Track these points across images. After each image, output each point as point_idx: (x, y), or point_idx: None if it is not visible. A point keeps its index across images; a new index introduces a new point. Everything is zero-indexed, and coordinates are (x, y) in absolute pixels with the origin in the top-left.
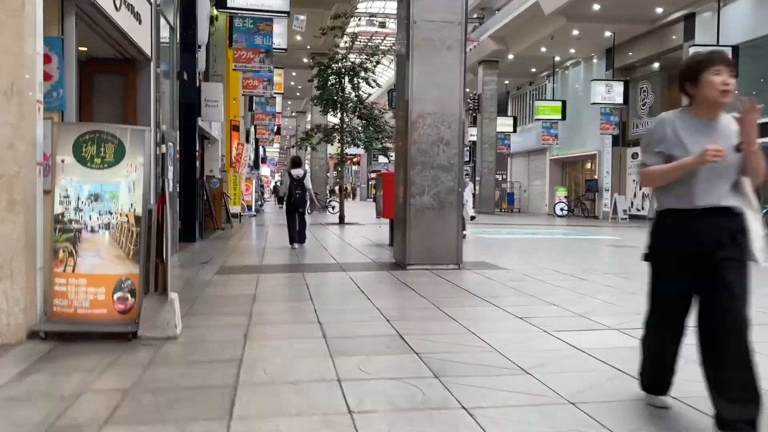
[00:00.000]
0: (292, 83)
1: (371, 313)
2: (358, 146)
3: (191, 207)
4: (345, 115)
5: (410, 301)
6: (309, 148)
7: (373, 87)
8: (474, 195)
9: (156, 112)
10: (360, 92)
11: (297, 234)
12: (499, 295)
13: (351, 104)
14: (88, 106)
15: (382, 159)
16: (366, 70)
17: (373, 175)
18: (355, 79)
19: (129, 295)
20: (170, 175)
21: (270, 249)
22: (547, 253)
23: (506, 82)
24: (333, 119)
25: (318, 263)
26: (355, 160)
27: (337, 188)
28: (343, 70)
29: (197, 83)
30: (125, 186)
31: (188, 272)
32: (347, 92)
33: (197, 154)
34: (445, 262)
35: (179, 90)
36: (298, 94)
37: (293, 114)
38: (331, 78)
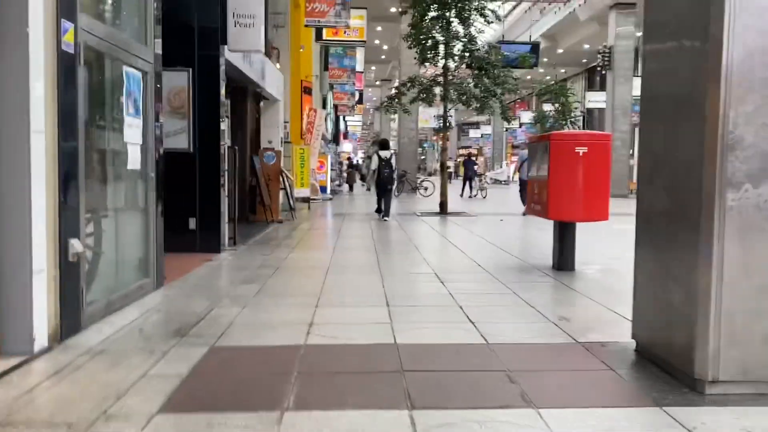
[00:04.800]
0: (377, 42)
1: None
2: (468, 105)
3: (212, 194)
4: (451, 60)
5: None
6: (395, 114)
7: (491, 21)
8: None
9: None
10: (473, 28)
11: (385, 209)
12: None
13: (461, 44)
14: None
15: (473, 133)
16: None
17: (462, 151)
18: (466, 8)
19: None
20: (133, 137)
21: (350, 285)
22: None
23: (638, 34)
24: (431, 71)
25: (448, 349)
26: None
27: (437, 165)
28: None
29: None
30: None
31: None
32: (453, 28)
33: (222, 113)
34: None
35: None
36: (383, 57)
37: (378, 83)
38: (431, 8)
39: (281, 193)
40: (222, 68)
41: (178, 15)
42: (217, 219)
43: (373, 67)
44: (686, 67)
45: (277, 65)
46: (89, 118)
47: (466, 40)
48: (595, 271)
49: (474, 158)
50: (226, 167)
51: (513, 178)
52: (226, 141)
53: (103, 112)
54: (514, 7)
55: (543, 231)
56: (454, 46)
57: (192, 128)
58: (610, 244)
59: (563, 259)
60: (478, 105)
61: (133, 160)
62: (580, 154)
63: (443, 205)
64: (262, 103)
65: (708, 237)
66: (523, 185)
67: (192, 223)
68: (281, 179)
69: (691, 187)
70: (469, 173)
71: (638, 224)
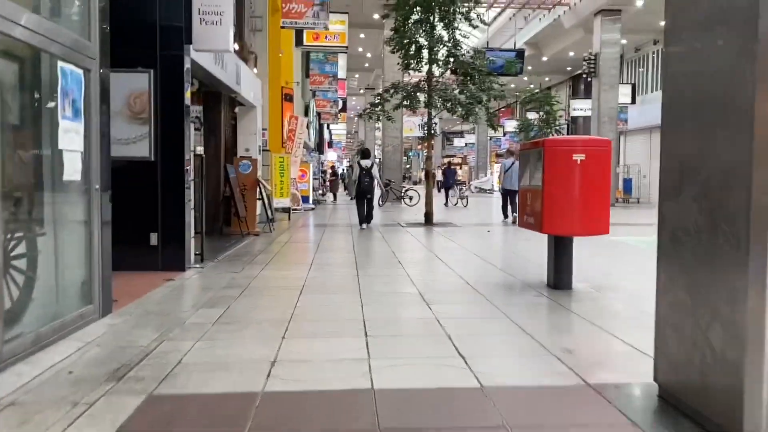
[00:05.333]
0: (360, 49)
1: None
2: (453, 112)
3: (176, 206)
4: (436, 65)
5: None
6: (378, 121)
7: (476, 26)
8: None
9: None
10: (458, 32)
11: (365, 217)
12: None
13: (445, 49)
14: None
15: (457, 141)
16: None
17: (445, 160)
18: (450, 12)
19: None
20: (71, 143)
21: (325, 308)
22: None
23: (623, 41)
24: (416, 78)
25: (435, 395)
26: (425, 145)
27: (421, 173)
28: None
29: None
30: None
31: None
32: (437, 33)
33: (188, 118)
34: None
35: None
36: (366, 65)
37: (361, 91)
38: (415, 12)
39: (258, 204)
40: (187, 69)
41: (137, 12)
42: (182, 234)
43: (357, 75)
44: (725, 67)
45: (255, 70)
46: (9, 122)
47: (450, 44)
48: (594, 290)
49: (454, 167)
50: (192, 177)
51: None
52: (192, 148)
53: (32, 115)
54: (499, 14)
55: (531, 242)
56: (438, 50)
57: (154, 135)
58: (606, 257)
59: (559, 276)
60: (464, 112)
61: (72, 169)
62: (578, 161)
63: (428, 216)
64: (237, 109)
65: (761, 256)
66: (505, 194)
67: (154, 239)
68: (258, 189)
69: (733, 197)
70: (449, 182)
71: (661, 243)
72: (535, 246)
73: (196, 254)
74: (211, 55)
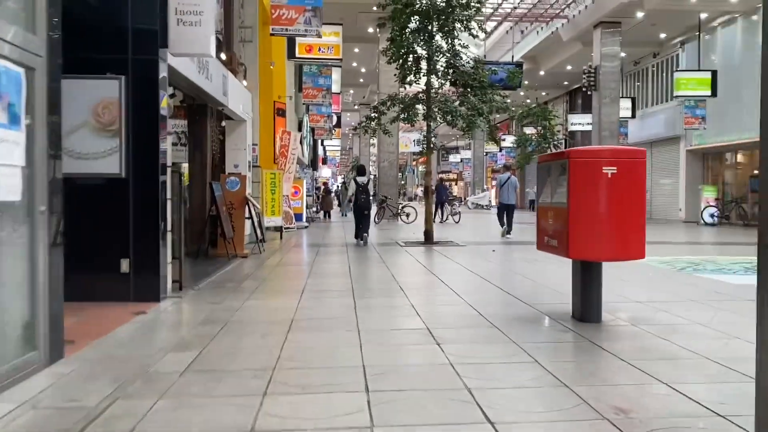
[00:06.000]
0: (354, 64)
1: None
2: (454, 125)
3: (150, 228)
4: (435, 77)
5: None
6: (375, 136)
7: (476, 35)
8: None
9: None
10: (457, 41)
11: (362, 232)
12: None
13: (443, 59)
14: None
15: (452, 158)
16: (468, 6)
17: (441, 176)
18: (449, 21)
19: None
20: (5, 156)
21: (317, 351)
22: None
23: (622, 54)
24: (412, 91)
25: None
26: (421, 160)
27: (416, 189)
28: (431, 7)
29: None
30: None
31: None
32: (436, 42)
33: (164, 130)
34: None
35: None
36: (361, 80)
37: (356, 106)
38: (412, 20)
39: (248, 224)
40: (163, 76)
41: (106, 12)
42: (157, 259)
43: (351, 91)
44: None
45: (244, 82)
46: None
47: (449, 54)
48: (628, 323)
49: (446, 183)
50: (169, 195)
51: (489, 203)
52: (169, 163)
53: None
54: (495, 28)
55: (541, 263)
56: (437, 61)
57: (126, 149)
58: (629, 281)
59: (587, 308)
60: (465, 124)
61: (7, 187)
62: (609, 175)
63: (428, 234)
64: (224, 123)
65: None
66: (502, 209)
67: (125, 266)
68: (247, 208)
69: None
70: (441, 198)
71: (765, 271)
72: (546, 268)
73: (174, 282)
74: (194, 64)
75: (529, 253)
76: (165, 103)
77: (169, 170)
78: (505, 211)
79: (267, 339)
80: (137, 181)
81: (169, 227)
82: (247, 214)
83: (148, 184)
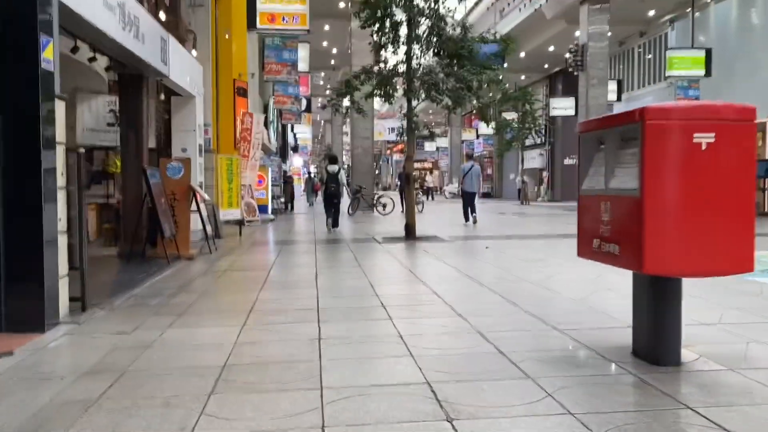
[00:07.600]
0: (324, 43)
1: None
2: (437, 101)
3: (29, 231)
4: (416, 44)
5: None
6: (346, 117)
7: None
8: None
9: None
10: (440, 4)
11: (333, 221)
12: None
13: (426, 24)
14: None
15: (428, 146)
16: None
17: (416, 165)
18: None
19: None
20: None
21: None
22: None
23: (609, 34)
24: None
25: None
26: (397, 148)
27: (391, 179)
28: None
29: None
30: None
31: None
32: (417, 3)
33: (52, 89)
34: None
35: None
36: (332, 62)
37: (327, 91)
38: None
39: (196, 218)
40: (46, 16)
41: None
42: (40, 274)
43: (322, 74)
44: None
45: (194, 52)
46: None
47: (433, 18)
48: (721, 366)
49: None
50: (63, 184)
51: (458, 191)
52: (64, 140)
53: None
54: (476, 4)
55: (548, 265)
56: (419, 24)
57: None
58: (695, 294)
59: (661, 343)
60: (450, 100)
61: None
62: (703, 146)
63: (410, 228)
64: (162, 95)
65: None
66: (464, 196)
67: None
68: (191, 199)
69: None
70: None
71: None
72: (557, 271)
73: (72, 300)
74: (112, 14)
75: (527, 251)
76: (50, 53)
77: (60, 149)
78: (469, 198)
79: (176, 407)
80: (7, 164)
81: (65, 227)
82: (194, 207)
83: (25, 168)
